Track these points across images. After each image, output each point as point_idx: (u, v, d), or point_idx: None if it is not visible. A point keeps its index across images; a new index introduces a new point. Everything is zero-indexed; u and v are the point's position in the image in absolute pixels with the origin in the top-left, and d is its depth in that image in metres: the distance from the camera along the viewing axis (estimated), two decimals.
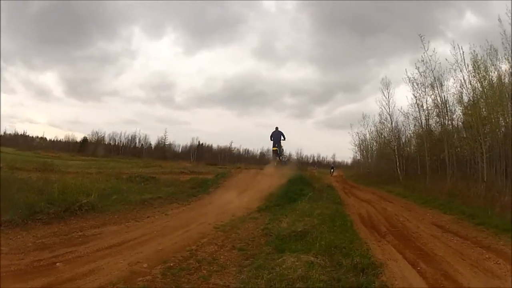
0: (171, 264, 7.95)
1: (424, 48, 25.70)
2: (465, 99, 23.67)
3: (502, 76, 21.06)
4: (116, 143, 46.65)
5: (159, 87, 70.36)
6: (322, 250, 8.82)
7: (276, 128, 25.63)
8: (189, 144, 47.63)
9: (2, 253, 7.89)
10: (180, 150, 47.31)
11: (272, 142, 25.63)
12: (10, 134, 48.38)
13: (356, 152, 40.25)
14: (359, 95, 69.68)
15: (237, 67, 75.12)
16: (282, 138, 25.56)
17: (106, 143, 46.33)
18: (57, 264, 7.54)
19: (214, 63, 76.56)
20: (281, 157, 26.23)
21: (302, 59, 76.27)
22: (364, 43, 67.26)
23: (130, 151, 46.03)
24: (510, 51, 20.08)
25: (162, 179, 21.06)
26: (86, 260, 7.94)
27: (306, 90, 69.75)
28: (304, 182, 22.26)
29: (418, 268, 8.78)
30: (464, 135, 24.02)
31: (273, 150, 25.58)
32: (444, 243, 11.17)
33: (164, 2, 65.66)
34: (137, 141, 46.61)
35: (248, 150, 47.51)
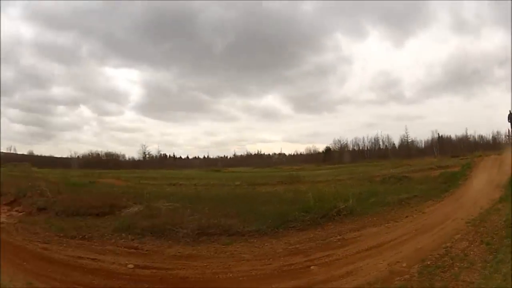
0: (428, 263, 8.33)
1: None
2: None
3: None
4: (360, 148, 47.27)
5: (386, 86, 69.44)
6: None
7: None
8: (429, 138, 46.74)
9: (243, 259, 8.86)
10: (423, 145, 46.65)
11: None
12: (241, 155, 51.21)
13: None
14: None
15: (446, 48, 71.35)
16: None
17: (350, 149, 47.18)
18: (312, 267, 8.30)
19: (425, 49, 73.35)
20: None
21: (491, 24, 70.06)
22: None
23: (375, 153, 45.86)
24: None
25: (414, 177, 21.23)
26: (344, 262, 8.61)
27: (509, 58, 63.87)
28: None
29: None
30: None
31: None
32: None
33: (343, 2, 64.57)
34: (380, 142, 46.63)
35: (482, 136, 45.45)
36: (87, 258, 9.10)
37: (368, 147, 46.27)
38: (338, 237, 10.52)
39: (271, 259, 8.89)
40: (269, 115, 66.26)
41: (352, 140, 46.82)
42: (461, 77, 64.10)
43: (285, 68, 74.56)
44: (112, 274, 8.25)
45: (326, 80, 69.81)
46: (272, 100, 77.32)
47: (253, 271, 8.13)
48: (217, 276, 8.00)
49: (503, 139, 37.49)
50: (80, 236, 10.84)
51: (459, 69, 65.15)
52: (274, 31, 63.43)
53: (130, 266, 8.67)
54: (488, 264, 7.99)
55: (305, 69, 67.76)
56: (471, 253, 8.91)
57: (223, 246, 9.96)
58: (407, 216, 12.86)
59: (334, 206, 12.46)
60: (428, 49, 73.34)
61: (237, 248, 9.86)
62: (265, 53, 66.57)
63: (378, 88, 69.80)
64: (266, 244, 10.04)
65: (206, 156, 50.75)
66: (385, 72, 69.43)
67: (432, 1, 69.45)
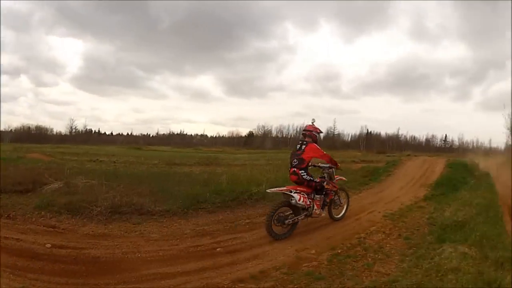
0: (339, 251, 8.27)
1: None
2: None
3: None
4: (284, 135, 47.68)
5: (325, 78, 71.53)
6: (475, 242, 8.72)
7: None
8: (358, 133, 47.74)
9: (151, 239, 8.61)
10: (349, 139, 47.57)
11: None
12: (164, 134, 50.97)
13: (508, 137, 38.00)
14: (506, 71, 65.77)
15: (397, 51, 74.49)
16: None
17: (273, 136, 47.46)
18: (218, 249, 8.07)
19: (374, 49, 76.24)
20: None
21: (453, 36, 73.95)
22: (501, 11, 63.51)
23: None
24: None
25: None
26: (250, 246, 8.41)
27: (462, 70, 67.30)
28: (466, 169, 22.37)
29: None
30: None
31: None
32: None
33: None
34: None
35: (414, 137, 46.82)
36: (12, 238, 8.57)
37: (292, 135, 47.09)
38: (247, 221, 10.39)
39: (178, 240, 8.66)
40: (199, 96, 66.91)
41: (277, 127, 47.59)
42: (406, 80, 66.65)
43: (227, 50, 75.49)
44: (34, 255, 7.77)
45: (265, 66, 71.27)
46: (205, 81, 78.03)
47: (160, 252, 7.88)
48: (126, 256, 7.69)
49: (438, 143, 38.81)
50: (6, 215, 10.24)
51: (406, 72, 67.89)
52: (223, 13, 64.16)
53: (48, 245, 8.19)
54: (407, 258, 8.07)
55: (246, 54, 69.02)
56: (387, 245, 8.98)
57: (134, 226, 9.69)
58: None
59: (246, 190, 12.41)
60: (378, 49, 76.00)
61: (147, 227, 9.58)
62: (210, 34, 67.34)
63: (315, 79, 71.93)
64: (174, 225, 9.82)
65: (129, 133, 50.57)
66: (327, 66, 71.57)
67: (396, 4, 72.18)
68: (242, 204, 11.74)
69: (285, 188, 9.50)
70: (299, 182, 9.67)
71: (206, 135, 52.50)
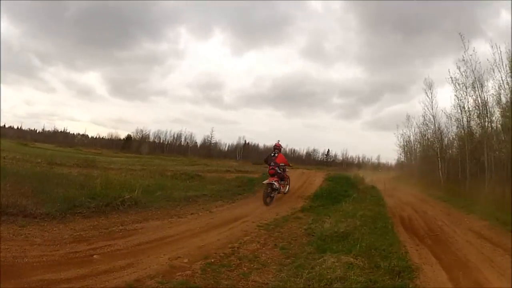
0: (212, 260, 8.05)
1: (465, 47, 25.20)
2: (503, 100, 23.28)
3: None
4: (161, 141, 47.05)
5: (207, 87, 70.54)
6: (362, 252, 8.91)
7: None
8: (235, 143, 47.77)
9: (35, 244, 8.09)
10: (226, 149, 47.51)
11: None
12: (49, 130, 49.17)
13: (400, 154, 40.06)
14: (406, 95, 68.51)
15: (286, 68, 74.98)
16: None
17: (151, 141, 46.74)
18: (94, 256, 7.68)
19: (262, 64, 76.42)
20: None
21: (350, 59, 75.80)
22: (409, 42, 66.40)
23: (175, 149, 46.18)
24: None
25: (208, 177, 21.40)
26: (125, 253, 8.08)
27: (354, 91, 69.10)
28: (349, 183, 22.63)
29: (451, 274, 8.82)
30: (503, 138, 23.60)
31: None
32: (477, 249, 11.25)
33: (210, 2, 65.86)
34: (182, 139, 46.82)
35: (294, 150, 47.40)
36: None
37: (169, 142, 46.66)
38: (121, 227, 10.08)
39: (58, 245, 8.20)
40: (85, 93, 64.66)
41: (155, 132, 47.02)
42: (291, 96, 67.29)
43: (119, 48, 73.33)
44: None
45: (151, 69, 69.85)
46: (93, 78, 75.76)
47: (44, 257, 7.42)
48: (16, 261, 7.19)
49: (319, 157, 39.72)
50: None
51: (292, 88, 68.37)
52: (125, 9, 62.21)
53: None
54: (285, 268, 8.02)
55: (137, 54, 67.25)
56: (263, 255, 8.95)
57: (20, 228, 9.09)
58: (192, 213, 12.77)
59: (120, 196, 12.06)
60: (267, 64, 76.45)
61: (31, 231, 9.01)
62: (108, 29, 65.15)
63: (198, 87, 71.17)
64: (54, 229, 9.33)
65: (19, 127, 48.13)
66: (212, 74, 71.07)
67: (298, 23, 72.88)
68: (115, 209, 11.49)
69: (269, 180, 16.33)
70: (274, 174, 16.73)
71: (87, 135, 50.84)
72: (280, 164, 17.04)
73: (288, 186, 18.09)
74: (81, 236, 8.97)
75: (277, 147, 17.55)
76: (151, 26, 65.94)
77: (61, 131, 48.06)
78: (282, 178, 17.19)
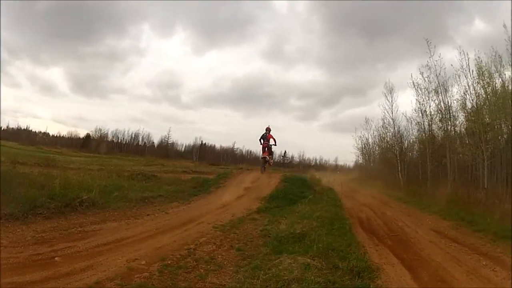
0: (169, 262, 8.06)
1: (430, 53, 25.42)
2: (469, 105, 23.62)
3: (506, 82, 21.09)
4: (119, 141, 46.45)
5: (166, 86, 69.56)
6: (319, 253, 8.94)
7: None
8: (192, 143, 47.42)
9: (1, 245, 8.01)
10: (183, 149, 47.13)
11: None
12: (13, 128, 48.26)
13: (358, 156, 40.42)
14: (366, 98, 68.71)
15: (246, 68, 74.36)
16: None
17: (109, 140, 46.13)
18: (56, 258, 7.64)
19: (223, 63, 75.65)
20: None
21: (312, 61, 75.45)
22: (373, 46, 66.69)
23: (133, 149, 45.62)
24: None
25: (164, 177, 21.30)
26: (85, 255, 8.04)
27: (313, 93, 68.90)
28: (305, 184, 22.56)
29: (415, 273, 8.89)
30: (467, 141, 23.98)
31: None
32: (441, 249, 11.28)
33: (175, 1, 65.27)
34: (140, 139, 46.33)
35: (251, 151, 47.32)
36: None
37: (127, 141, 46.27)
38: (79, 229, 10.06)
39: (22, 247, 8.18)
40: (47, 89, 63.38)
41: (114, 131, 46.51)
42: (249, 97, 67.12)
43: (84, 43, 72.14)
44: None
45: (112, 66, 68.77)
46: (56, 73, 74.27)
47: (10, 259, 7.40)
48: None
49: (276, 158, 40.01)
50: None
51: (252, 89, 68.18)
52: (91, 3, 61.15)
53: None
54: (242, 269, 8.09)
55: (99, 50, 66.08)
56: (219, 256, 9.01)
57: None
58: (148, 215, 12.78)
59: (78, 196, 12.01)
60: (227, 64, 76.03)
61: None
62: (76, 23, 63.93)
63: (157, 86, 70.33)
64: (18, 230, 9.31)
65: None
66: (171, 73, 70.21)
67: (261, 24, 72.55)
68: (74, 210, 11.48)
69: (263, 154, 23.39)
70: (266, 148, 23.43)
71: (48, 133, 49.93)
72: (270, 142, 24.13)
73: (272, 160, 25.75)
74: (43, 237, 8.92)
75: (268, 129, 24.39)
76: (115, 22, 65.11)
77: (24, 129, 47.36)
78: (271, 152, 24.61)
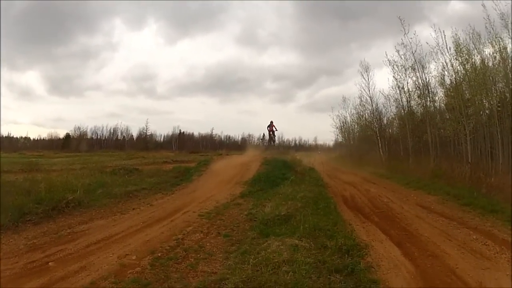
0: (159, 254, 8.13)
1: (405, 31, 25.64)
2: (447, 81, 23.84)
3: (486, 59, 21.38)
4: (98, 137, 46.20)
5: (141, 79, 69.25)
6: (306, 233, 9.07)
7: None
8: (170, 133, 47.31)
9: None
10: (162, 139, 47.01)
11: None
12: None
13: (337, 135, 40.50)
14: (342, 78, 69.11)
15: (219, 55, 74.40)
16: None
17: (89, 137, 45.86)
18: (50, 263, 7.66)
19: (196, 52, 75.58)
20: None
21: (286, 45, 75.75)
22: (347, 27, 66.83)
23: (112, 144, 45.45)
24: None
25: (145, 170, 21.34)
26: (77, 257, 8.06)
27: (288, 75, 69.19)
28: (286, 166, 22.93)
29: (404, 249, 8.96)
30: (447, 116, 24.18)
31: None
32: (429, 224, 11.38)
33: None
34: (119, 133, 46.13)
35: (229, 137, 47.39)
36: None
37: (106, 137, 46.06)
38: (68, 231, 10.04)
39: (17, 257, 8.12)
40: (25, 94, 62.54)
41: (92, 128, 46.28)
42: (224, 83, 67.13)
43: (55, 44, 71.28)
44: None
45: (85, 64, 68.25)
46: (32, 77, 73.58)
47: (7, 271, 7.32)
48: None
49: (256, 142, 40.37)
50: None
51: (225, 75, 68.12)
52: (61, 2, 60.20)
53: None
54: (231, 255, 8.17)
55: (72, 49, 65.49)
56: (208, 244, 9.11)
57: None
58: (134, 209, 12.87)
59: (63, 198, 12.02)
60: (200, 52, 75.70)
61: None
62: (46, 24, 63.01)
63: (132, 79, 69.99)
64: (11, 240, 9.21)
65: None
66: (145, 65, 69.90)
67: (232, 11, 72.21)
68: (61, 212, 11.48)
69: (268, 137, 31.67)
70: (270, 132, 33.91)
71: (29, 138, 49.50)
72: (273, 128, 33.59)
73: (275, 142, 34.06)
74: (35, 244, 8.91)
75: (271, 121, 33.79)
76: (88, 19, 64.52)
77: (6, 136, 46.91)
78: (274, 135, 34.07)
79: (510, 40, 20.02)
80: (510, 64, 20.12)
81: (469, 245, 9.17)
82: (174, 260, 7.85)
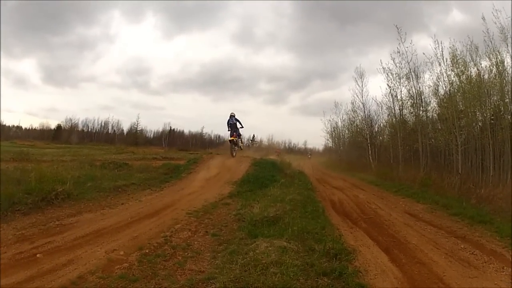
0: (147, 251, 8.14)
1: (401, 40, 25.76)
2: (441, 92, 24.03)
3: (482, 72, 21.59)
4: (90, 130, 45.94)
5: (136, 72, 68.64)
6: (294, 236, 9.11)
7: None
8: (161, 129, 47.13)
9: None
10: (152, 135, 46.80)
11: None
12: None
13: (327, 139, 40.54)
14: (335, 82, 68.70)
15: (215, 53, 74.04)
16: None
17: (80, 130, 45.59)
18: (38, 255, 7.65)
19: (191, 48, 74.97)
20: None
21: (282, 45, 75.36)
22: (345, 31, 66.71)
23: (103, 137, 45.18)
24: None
25: (135, 165, 21.20)
26: (65, 249, 8.07)
27: (283, 76, 68.87)
28: (275, 168, 22.91)
29: (392, 255, 9.05)
30: (439, 127, 24.34)
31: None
32: (417, 232, 11.47)
33: None
34: (110, 127, 45.86)
35: (219, 136, 47.28)
36: None
37: (97, 130, 45.88)
38: (57, 223, 10.01)
39: (5, 247, 8.06)
40: (20, 82, 62.18)
41: (84, 120, 46.07)
42: (218, 81, 66.83)
43: (53, 33, 70.81)
44: None
45: (82, 54, 67.76)
46: (28, 65, 73.09)
47: None
48: None
49: (245, 142, 40.35)
50: None
51: (220, 73, 67.79)
52: None
53: None
54: (219, 255, 8.22)
55: (69, 39, 64.91)
56: (195, 243, 9.13)
57: None
58: (122, 204, 12.81)
59: (53, 189, 11.89)
60: (196, 49, 75.42)
61: None
62: (46, 14, 62.63)
63: (126, 72, 69.46)
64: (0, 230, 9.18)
65: None
66: (140, 59, 69.42)
67: (231, 8, 71.95)
68: (50, 204, 11.40)
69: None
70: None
71: (21, 127, 49.08)
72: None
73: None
74: (23, 235, 8.90)
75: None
76: (87, 10, 64.23)
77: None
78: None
79: (508, 54, 20.21)
80: (506, 78, 20.30)
81: (457, 254, 9.27)
82: (162, 257, 7.87)
